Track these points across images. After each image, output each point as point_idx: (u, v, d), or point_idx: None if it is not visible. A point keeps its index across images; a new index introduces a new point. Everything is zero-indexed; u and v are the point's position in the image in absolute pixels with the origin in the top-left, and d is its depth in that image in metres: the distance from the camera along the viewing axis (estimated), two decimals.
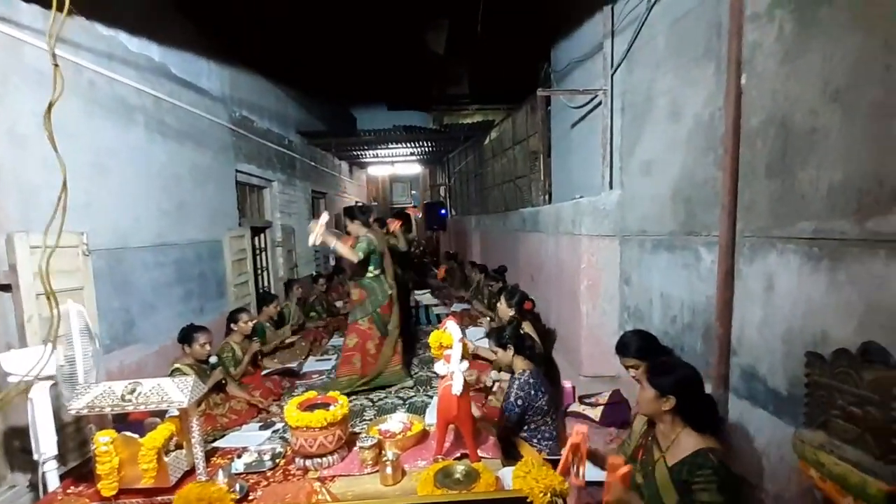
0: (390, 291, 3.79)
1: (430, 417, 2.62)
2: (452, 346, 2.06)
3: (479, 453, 2.11)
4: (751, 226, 1.88)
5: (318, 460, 2.16)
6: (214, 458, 2.37)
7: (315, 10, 5.54)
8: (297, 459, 2.21)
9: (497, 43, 5.85)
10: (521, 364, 2.64)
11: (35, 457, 2.09)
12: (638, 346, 2.35)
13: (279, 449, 2.36)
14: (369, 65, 7.83)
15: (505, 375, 2.83)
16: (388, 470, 1.97)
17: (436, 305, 6.59)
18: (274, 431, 2.99)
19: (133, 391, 2.03)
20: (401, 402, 3.78)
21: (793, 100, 1.66)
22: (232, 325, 3.90)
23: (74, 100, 2.93)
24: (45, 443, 2.10)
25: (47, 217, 1.93)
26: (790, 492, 1.68)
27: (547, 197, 4.76)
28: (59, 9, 1.95)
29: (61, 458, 2.19)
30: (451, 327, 2.11)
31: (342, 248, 3.62)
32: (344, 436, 2.23)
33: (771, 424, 1.78)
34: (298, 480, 2.08)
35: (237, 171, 5.28)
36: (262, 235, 6.32)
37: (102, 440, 1.95)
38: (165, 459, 2.01)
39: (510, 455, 2.31)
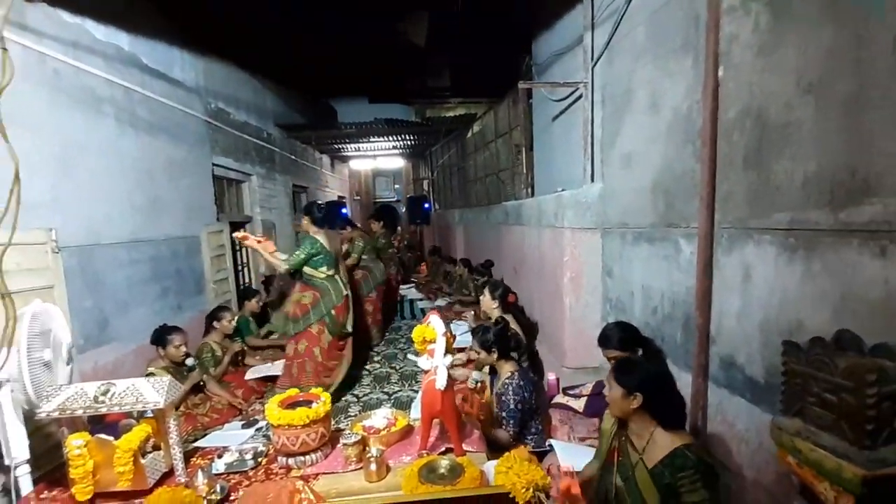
0: (346, 292, 3.67)
1: (415, 412, 2.61)
2: (436, 341, 2.05)
3: (464, 447, 2.11)
4: (728, 217, 1.90)
5: (301, 458, 2.13)
6: (195, 459, 2.32)
7: None
8: (279, 458, 2.18)
9: (478, 35, 5.83)
10: (507, 367, 2.58)
11: (6, 461, 2.02)
12: (619, 338, 2.38)
13: (261, 448, 2.32)
14: (349, 56, 7.70)
15: (486, 375, 2.79)
16: (373, 466, 1.96)
17: (420, 300, 6.58)
18: (258, 429, 2.94)
19: (106, 392, 1.97)
20: (386, 397, 3.77)
21: (768, 92, 1.69)
22: (214, 324, 3.82)
23: (38, 90, 2.81)
24: (17, 447, 2.03)
25: (8, 216, 1.85)
26: (768, 478, 1.72)
27: (529, 190, 4.77)
28: None
29: (34, 462, 2.11)
30: (435, 322, 2.09)
31: (267, 255, 3.49)
32: (327, 433, 2.21)
33: (749, 412, 1.82)
34: (281, 479, 2.05)
35: (214, 164, 5.14)
36: (241, 230, 6.18)
37: (75, 443, 1.89)
38: (142, 461, 1.96)
39: (495, 449, 2.31)
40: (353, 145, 9.91)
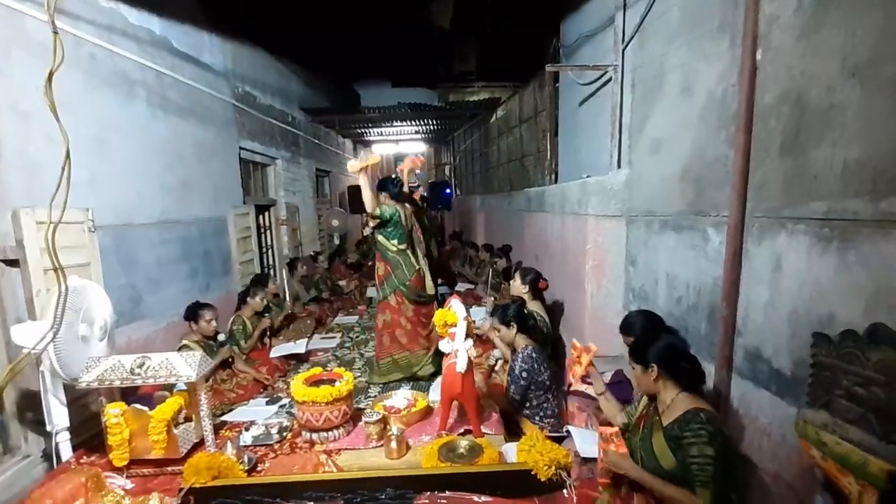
0: (417, 266, 3.64)
1: (434, 395, 2.66)
2: (457, 325, 2.07)
3: (483, 429, 2.14)
4: (761, 206, 1.84)
5: (325, 434, 2.20)
6: (223, 431, 2.42)
7: None
8: (303, 433, 2.25)
9: (505, 17, 5.70)
10: (522, 341, 2.66)
11: (48, 428, 2.14)
12: (642, 326, 2.35)
13: (286, 423, 2.41)
14: (374, 40, 7.66)
15: (507, 353, 2.84)
16: (393, 444, 2.01)
17: (440, 285, 6.61)
18: (280, 406, 3.04)
19: (142, 365, 2.06)
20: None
21: (809, 76, 1.61)
22: (248, 299, 3.95)
23: (75, 73, 2.90)
24: (57, 414, 2.15)
25: (52, 194, 1.93)
26: (791, 471, 1.69)
27: (553, 176, 4.71)
28: None
29: (73, 429, 2.24)
30: (456, 306, 2.12)
31: (369, 194, 3.35)
32: (350, 411, 2.27)
33: (773, 405, 1.78)
34: (305, 453, 2.13)
35: (241, 147, 5.24)
36: (266, 213, 6.32)
37: (113, 412, 1.99)
38: (175, 432, 2.05)
39: (512, 432, 2.34)
40: (375, 129, 9.92)
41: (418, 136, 11.07)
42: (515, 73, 6.52)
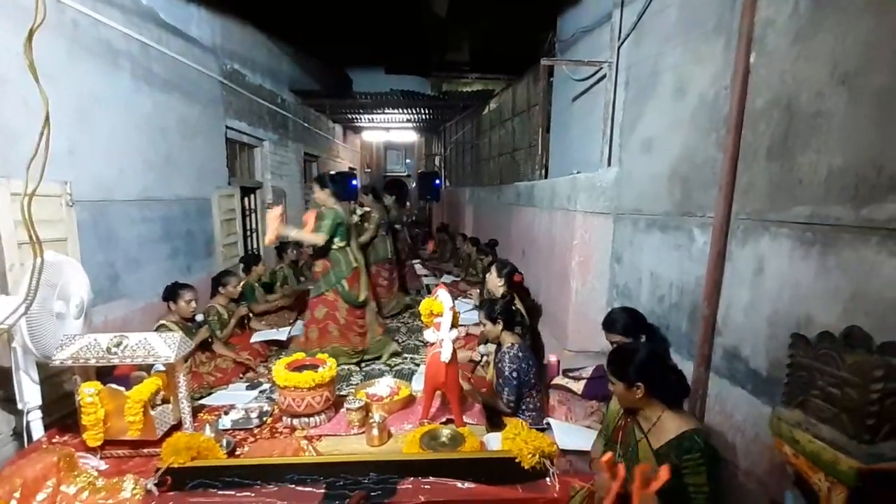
0: (355, 264, 3.73)
1: (417, 384, 2.66)
2: (443, 314, 2.07)
3: (465, 419, 2.16)
4: (746, 208, 1.88)
5: (306, 420, 2.19)
6: (201, 415, 2.39)
7: None
8: (284, 418, 2.24)
9: (502, 8, 5.65)
10: (508, 338, 2.66)
11: (19, 406, 2.09)
12: (625, 323, 2.39)
13: (266, 408, 2.39)
14: (368, 24, 7.53)
15: (492, 348, 2.85)
16: (375, 431, 2.01)
17: (426, 276, 6.61)
18: (261, 391, 3.01)
19: (119, 344, 2.01)
20: (388, 368, 3.82)
21: (800, 81, 1.64)
22: (220, 288, 3.87)
23: (57, 40, 2.79)
24: (29, 392, 2.09)
25: (29, 160, 1.85)
26: (762, 467, 1.74)
27: (543, 171, 4.71)
28: None
29: (45, 408, 2.18)
30: (443, 295, 2.11)
31: (304, 235, 3.56)
32: (332, 397, 2.26)
33: (748, 403, 1.83)
34: (285, 438, 2.11)
35: (227, 127, 5.12)
36: (252, 196, 6.20)
37: (88, 391, 1.94)
38: (152, 413, 2.02)
39: (494, 423, 2.36)
40: (366, 116, 9.80)
41: (410, 124, 10.97)
42: (510, 65, 6.49)
